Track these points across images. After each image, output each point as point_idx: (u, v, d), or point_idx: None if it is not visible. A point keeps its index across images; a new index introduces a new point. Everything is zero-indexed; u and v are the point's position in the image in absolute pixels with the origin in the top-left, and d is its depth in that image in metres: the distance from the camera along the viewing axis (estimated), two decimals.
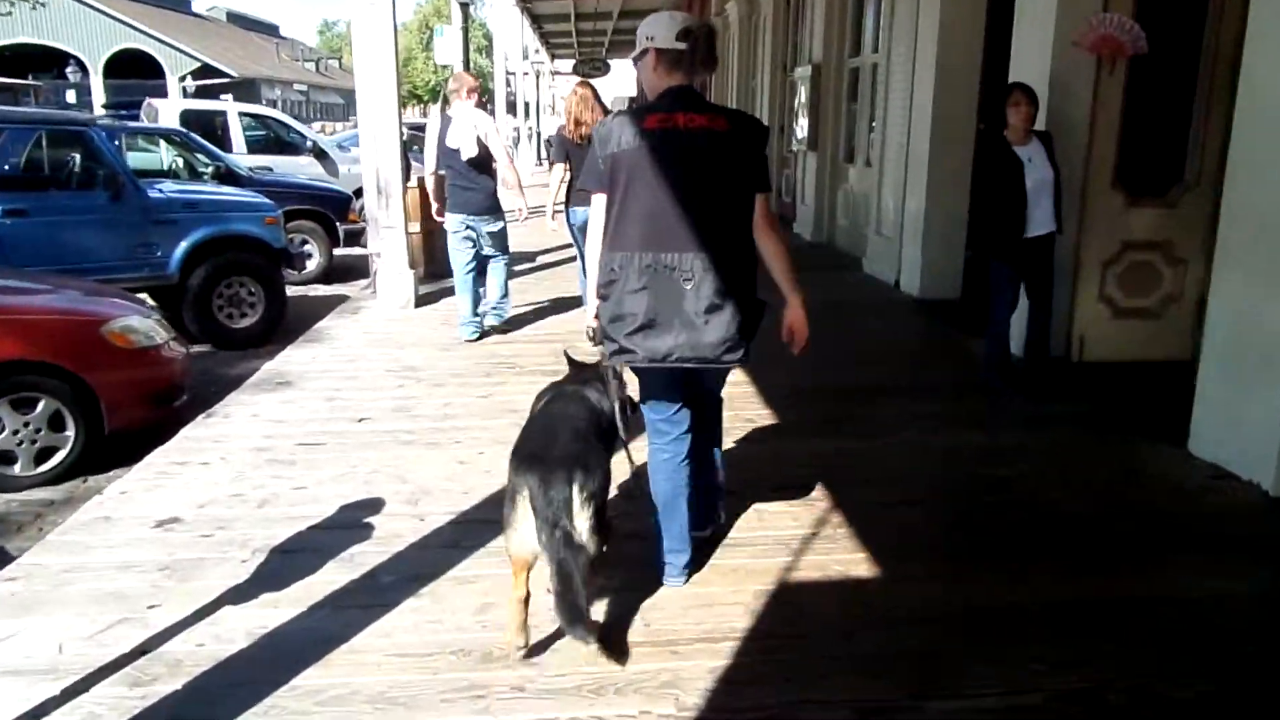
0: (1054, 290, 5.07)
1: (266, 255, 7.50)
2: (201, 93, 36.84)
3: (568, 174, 6.28)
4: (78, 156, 6.72)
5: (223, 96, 34.51)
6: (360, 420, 4.67)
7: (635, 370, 2.88)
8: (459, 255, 6.24)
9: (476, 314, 6.41)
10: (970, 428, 4.58)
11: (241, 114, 12.16)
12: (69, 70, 34.32)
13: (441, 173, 6.29)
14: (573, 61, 33.66)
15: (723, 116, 2.78)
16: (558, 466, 2.48)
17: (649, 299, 2.67)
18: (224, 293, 7.32)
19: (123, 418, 4.90)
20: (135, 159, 10.17)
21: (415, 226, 8.53)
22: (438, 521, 3.49)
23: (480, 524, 3.36)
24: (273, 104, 46.37)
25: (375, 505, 3.62)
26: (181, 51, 41.68)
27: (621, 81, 33.80)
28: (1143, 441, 4.34)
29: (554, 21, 25.36)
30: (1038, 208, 4.79)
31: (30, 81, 27.55)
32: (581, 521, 2.45)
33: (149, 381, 5.04)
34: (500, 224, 6.30)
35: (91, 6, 40.45)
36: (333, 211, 10.10)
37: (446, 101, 6.50)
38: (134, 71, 40.08)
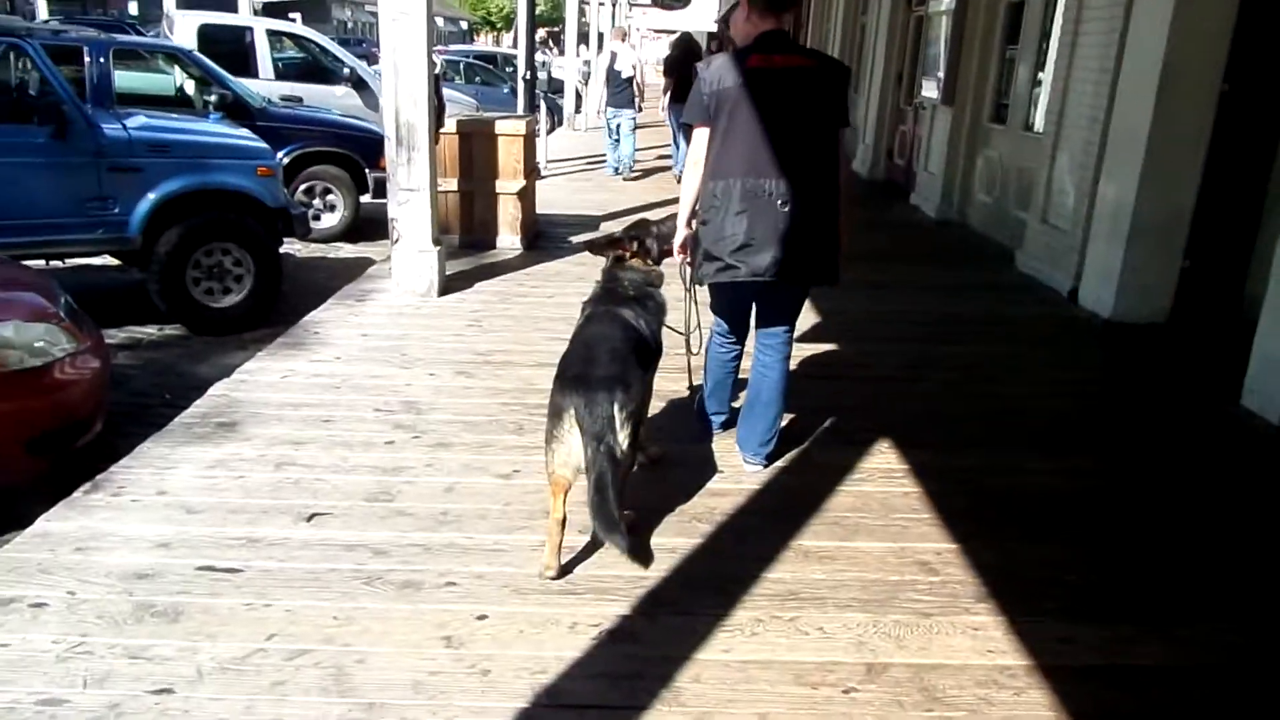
0: None
1: (259, 216, 5.88)
2: (269, 9, 35.34)
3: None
4: (11, 79, 5.14)
5: (290, 15, 33.00)
6: (310, 519, 3.03)
7: (713, 286, 3.26)
8: (611, 130, 11.30)
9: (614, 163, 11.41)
10: None
11: (270, 32, 10.47)
12: None
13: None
14: None
15: (812, 57, 3.19)
16: (601, 386, 2.55)
17: (748, 221, 3.01)
18: (202, 262, 5.74)
19: None
20: (141, 81, 8.67)
21: (451, 184, 6.83)
22: None
23: None
24: (343, 25, 44.65)
25: None
26: None
27: (701, 16, 31.43)
28: None
29: None
30: None
31: None
32: (622, 437, 2.53)
33: (28, 419, 3.50)
34: (632, 115, 11.21)
35: None
36: (362, 155, 8.41)
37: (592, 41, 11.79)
38: None
